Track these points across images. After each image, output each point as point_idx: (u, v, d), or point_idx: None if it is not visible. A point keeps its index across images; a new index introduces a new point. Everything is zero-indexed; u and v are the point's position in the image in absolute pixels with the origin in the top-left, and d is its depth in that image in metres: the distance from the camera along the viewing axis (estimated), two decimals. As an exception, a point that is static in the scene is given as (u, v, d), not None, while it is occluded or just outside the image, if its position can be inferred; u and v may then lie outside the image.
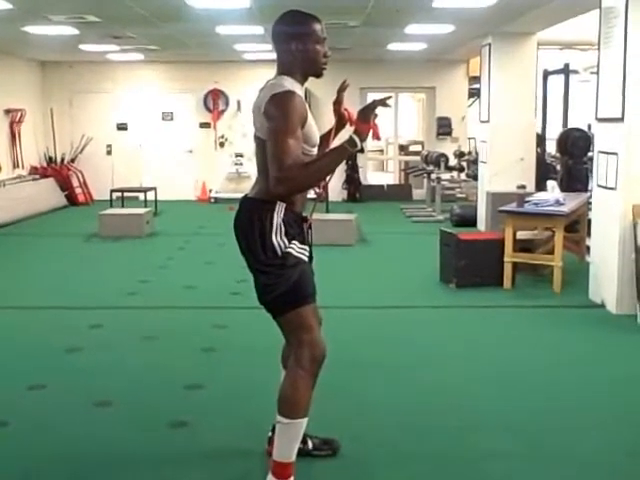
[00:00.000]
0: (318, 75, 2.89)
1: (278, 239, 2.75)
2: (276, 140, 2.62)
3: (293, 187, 2.68)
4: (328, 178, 2.89)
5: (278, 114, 2.64)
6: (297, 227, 2.83)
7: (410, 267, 7.54)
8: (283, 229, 2.75)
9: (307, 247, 2.86)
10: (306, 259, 2.84)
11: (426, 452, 3.31)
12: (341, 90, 2.97)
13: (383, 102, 2.79)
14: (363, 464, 3.19)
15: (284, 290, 2.76)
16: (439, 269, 6.77)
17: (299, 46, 2.79)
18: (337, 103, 2.99)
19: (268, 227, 2.74)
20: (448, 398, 3.96)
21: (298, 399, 2.79)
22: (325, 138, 2.98)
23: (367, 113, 2.73)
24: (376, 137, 2.83)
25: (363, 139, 2.71)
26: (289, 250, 2.76)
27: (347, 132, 2.81)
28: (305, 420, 2.83)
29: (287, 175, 2.59)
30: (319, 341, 2.84)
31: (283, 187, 2.63)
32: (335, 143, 2.83)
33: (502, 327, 5.44)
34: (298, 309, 2.79)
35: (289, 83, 2.75)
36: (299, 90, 2.78)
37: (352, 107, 2.87)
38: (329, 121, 2.98)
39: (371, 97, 11.81)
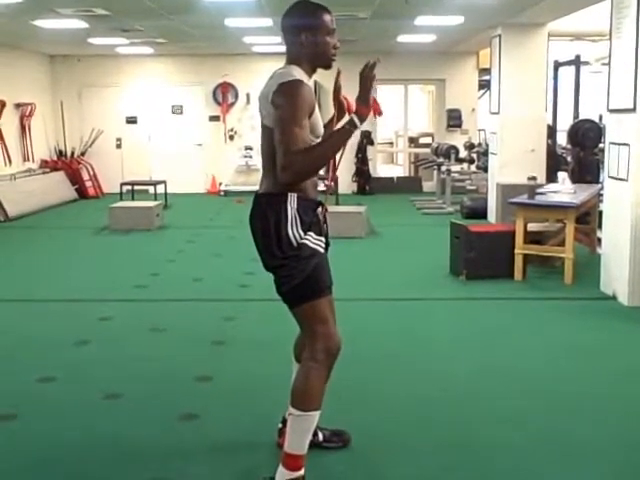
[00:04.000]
0: (327, 67, 2.88)
1: (294, 231, 2.73)
2: (283, 128, 2.61)
3: (300, 172, 2.64)
4: (337, 172, 2.88)
5: (286, 102, 2.63)
6: (312, 214, 2.80)
7: (420, 259, 7.52)
8: (298, 219, 2.74)
9: (323, 238, 2.84)
10: (322, 250, 2.82)
11: (437, 444, 3.29)
12: (337, 81, 2.96)
13: (371, 69, 2.67)
14: (373, 456, 3.18)
15: (299, 282, 2.74)
16: (449, 261, 6.74)
17: (309, 37, 2.77)
18: (336, 91, 2.98)
19: (283, 220, 2.72)
20: (458, 390, 3.95)
21: (311, 391, 2.78)
22: (327, 127, 2.97)
23: (365, 95, 2.70)
24: (378, 114, 2.83)
25: (363, 120, 2.71)
26: (305, 241, 2.74)
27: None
28: (318, 413, 2.81)
29: (292, 160, 2.58)
30: (334, 334, 2.83)
31: (289, 173, 2.60)
32: None
33: (512, 319, 5.41)
34: (313, 301, 2.77)
35: (297, 73, 2.74)
36: (307, 80, 2.76)
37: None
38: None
39: (380, 89, 11.82)
